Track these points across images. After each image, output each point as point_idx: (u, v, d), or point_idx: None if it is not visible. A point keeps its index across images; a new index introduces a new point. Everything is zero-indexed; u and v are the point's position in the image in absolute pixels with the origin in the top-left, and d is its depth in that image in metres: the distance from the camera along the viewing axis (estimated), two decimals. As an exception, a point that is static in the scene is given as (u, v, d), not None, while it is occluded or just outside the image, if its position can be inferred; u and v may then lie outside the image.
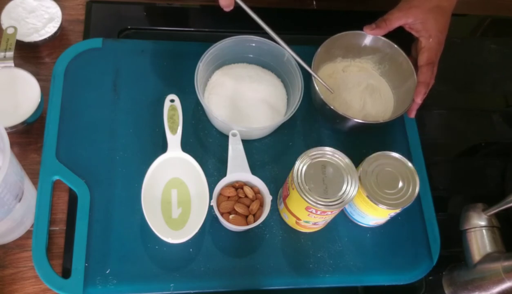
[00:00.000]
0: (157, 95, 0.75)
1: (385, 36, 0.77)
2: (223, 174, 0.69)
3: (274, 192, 0.72)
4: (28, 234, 0.68)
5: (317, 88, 0.72)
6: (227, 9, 0.67)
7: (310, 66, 0.73)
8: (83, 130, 0.72)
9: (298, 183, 0.61)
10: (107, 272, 0.64)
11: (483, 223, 0.68)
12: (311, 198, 0.61)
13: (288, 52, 0.72)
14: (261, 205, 0.68)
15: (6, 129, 0.69)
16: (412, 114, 0.75)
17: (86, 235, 0.65)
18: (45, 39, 0.79)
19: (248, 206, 0.67)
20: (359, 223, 0.71)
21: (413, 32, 0.75)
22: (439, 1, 0.74)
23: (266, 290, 0.68)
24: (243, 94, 0.76)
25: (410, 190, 0.65)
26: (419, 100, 0.73)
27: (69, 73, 0.75)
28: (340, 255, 0.70)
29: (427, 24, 0.73)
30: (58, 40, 0.82)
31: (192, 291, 0.66)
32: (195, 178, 0.69)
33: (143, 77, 0.77)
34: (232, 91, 0.76)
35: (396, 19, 0.74)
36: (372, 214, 0.68)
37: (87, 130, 0.72)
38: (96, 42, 0.79)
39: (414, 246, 0.72)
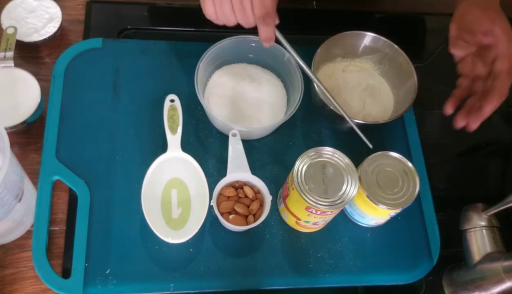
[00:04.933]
0: (157, 95, 0.75)
1: (385, 36, 0.77)
2: (223, 174, 0.69)
3: (274, 192, 0.72)
4: (28, 234, 0.68)
5: (317, 88, 0.72)
6: (267, 45, 0.64)
7: (310, 66, 0.73)
8: (83, 130, 0.72)
9: (298, 183, 0.61)
10: (107, 272, 0.64)
11: (483, 223, 0.68)
12: (311, 198, 0.61)
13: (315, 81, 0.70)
14: (261, 205, 0.68)
15: (6, 129, 0.69)
16: (476, 125, 0.67)
17: (86, 235, 0.66)
18: (45, 39, 0.79)
19: (248, 206, 0.67)
20: (359, 223, 0.71)
21: (487, 40, 0.66)
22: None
23: (266, 290, 0.68)
24: (243, 94, 0.76)
25: (410, 190, 0.65)
26: (489, 111, 0.65)
27: (69, 73, 0.75)
28: (340, 255, 0.70)
29: (504, 26, 0.66)
30: (58, 40, 0.82)
31: (192, 291, 0.66)
32: (195, 178, 0.69)
33: (143, 77, 0.77)
34: (232, 91, 0.76)
35: (484, 21, 0.66)
36: (372, 214, 0.68)
37: (87, 130, 0.72)
38: (96, 42, 0.79)
39: (414, 246, 0.72)
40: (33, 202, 0.67)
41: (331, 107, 0.70)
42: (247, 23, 0.63)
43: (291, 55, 0.68)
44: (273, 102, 0.76)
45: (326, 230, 0.71)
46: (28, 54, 0.80)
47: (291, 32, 0.87)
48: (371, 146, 0.67)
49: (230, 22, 0.63)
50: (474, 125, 0.68)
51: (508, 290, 0.63)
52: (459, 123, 0.69)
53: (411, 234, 0.73)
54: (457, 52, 0.66)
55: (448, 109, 0.71)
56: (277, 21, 0.64)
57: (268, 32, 0.63)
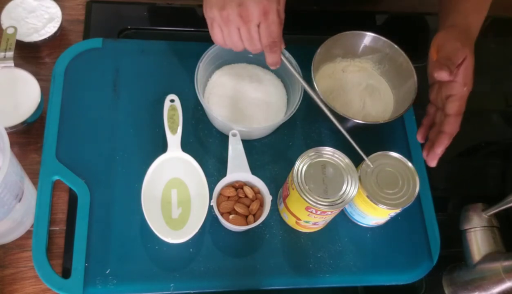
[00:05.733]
0: (157, 95, 0.75)
1: (385, 36, 0.77)
2: (223, 174, 0.69)
3: (274, 192, 0.72)
4: (28, 234, 0.68)
5: (317, 88, 0.72)
6: (273, 68, 0.67)
7: (310, 65, 0.73)
8: (83, 130, 0.72)
9: (298, 183, 0.61)
10: (107, 272, 0.64)
11: (483, 223, 0.68)
12: (311, 198, 0.61)
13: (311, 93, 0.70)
14: (261, 205, 0.68)
15: (6, 129, 0.69)
16: (433, 163, 0.69)
17: (86, 235, 0.65)
18: (45, 39, 0.79)
19: (248, 206, 0.67)
20: (359, 223, 0.71)
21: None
22: (474, 31, 0.69)
23: (266, 290, 0.68)
24: (243, 94, 0.76)
25: (410, 190, 0.65)
26: (439, 151, 0.68)
27: (69, 73, 0.75)
28: (340, 255, 0.70)
29: (468, 67, 0.67)
30: (58, 40, 0.82)
31: (192, 291, 0.66)
32: (195, 178, 0.69)
33: (143, 77, 0.77)
34: (232, 91, 0.76)
35: (462, 55, 0.66)
36: (372, 214, 0.68)
37: (87, 130, 0.72)
38: (96, 42, 0.79)
39: (414, 246, 0.72)
40: (33, 202, 0.67)
41: (331, 108, 0.70)
42: (254, 50, 0.64)
43: (296, 76, 0.69)
44: (273, 102, 0.76)
45: (326, 230, 0.71)
46: (28, 54, 0.80)
47: (291, 32, 0.87)
48: (368, 162, 0.67)
49: (238, 48, 0.65)
50: (432, 163, 0.69)
51: (508, 290, 0.63)
52: (424, 157, 0.71)
53: (411, 234, 0.73)
54: (442, 74, 0.65)
55: (419, 139, 0.74)
56: (283, 46, 0.66)
57: (274, 58, 0.65)
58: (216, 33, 0.64)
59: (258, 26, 0.61)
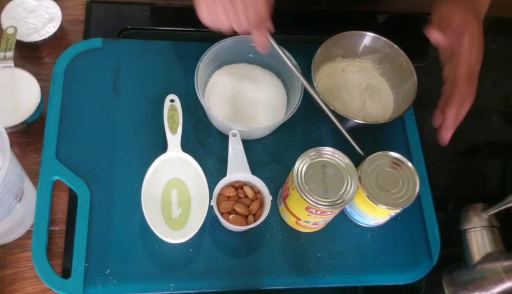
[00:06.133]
0: (157, 95, 0.75)
1: (385, 36, 0.77)
2: (223, 174, 0.69)
3: (274, 192, 0.72)
4: (28, 234, 0.68)
5: (317, 88, 0.72)
6: (261, 50, 0.66)
7: (310, 65, 0.73)
8: (83, 130, 0.72)
9: (298, 183, 0.61)
10: (107, 272, 0.64)
11: (483, 223, 0.68)
12: (311, 198, 0.61)
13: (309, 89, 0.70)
14: (261, 205, 0.68)
15: (6, 129, 0.69)
16: (447, 138, 0.68)
17: (86, 235, 0.65)
18: (45, 39, 0.79)
19: (248, 206, 0.67)
20: (359, 223, 0.71)
21: (455, 46, 0.68)
22: (479, 5, 0.68)
23: (266, 290, 0.68)
24: (243, 94, 0.76)
25: (410, 190, 0.65)
26: (450, 121, 0.66)
27: (69, 73, 0.75)
28: (340, 255, 0.70)
29: (473, 36, 0.66)
30: (58, 40, 0.82)
31: (192, 291, 0.66)
32: (195, 178, 0.69)
33: (143, 77, 0.77)
34: (232, 91, 0.76)
35: (460, 17, 0.66)
36: (372, 214, 0.68)
37: (87, 130, 0.72)
38: (96, 42, 0.79)
39: (414, 246, 0.72)
40: (33, 202, 0.67)
41: (331, 107, 0.70)
42: (240, 29, 0.64)
43: (293, 70, 0.69)
44: (273, 102, 0.76)
45: (326, 230, 0.71)
46: (28, 54, 0.80)
47: (291, 32, 0.87)
48: (363, 154, 0.67)
49: (224, 26, 0.64)
50: (444, 137, 0.68)
51: (508, 290, 0.63)
52: (438, 137, 0.69)
53: (411, 234, 0.73)
54: (435, 35, 0.66)
55: (434, 122, 0.71)
56: (271, 29, 0.65)
57: (260, 37, 0.64)
58: (203, 11, 0.63)
59: (246, 6, 0.61)
